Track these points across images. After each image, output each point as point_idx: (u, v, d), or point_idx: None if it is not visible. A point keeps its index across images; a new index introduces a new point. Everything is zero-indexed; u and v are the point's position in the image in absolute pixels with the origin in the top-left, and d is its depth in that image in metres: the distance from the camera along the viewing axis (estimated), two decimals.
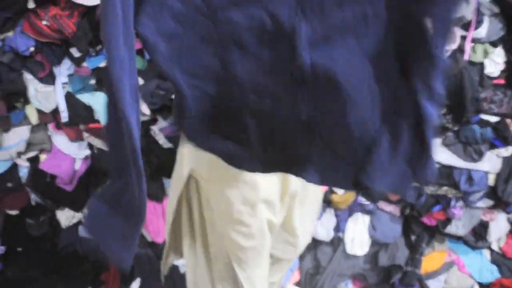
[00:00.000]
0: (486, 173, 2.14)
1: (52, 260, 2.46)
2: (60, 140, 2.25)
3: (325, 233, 2.23)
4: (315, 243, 2.29)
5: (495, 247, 2.45)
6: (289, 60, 0.85)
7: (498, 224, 2.35)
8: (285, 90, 0.89)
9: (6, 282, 2.43)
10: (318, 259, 2.30)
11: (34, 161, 2.31)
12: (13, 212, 2.44)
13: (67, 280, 2.41)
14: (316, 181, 1.01)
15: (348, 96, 0.87)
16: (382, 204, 2.25)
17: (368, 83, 0.87)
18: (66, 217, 2.40)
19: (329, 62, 0.84)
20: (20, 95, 2.16)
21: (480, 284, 2.41)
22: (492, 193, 2.21)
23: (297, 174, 1.02)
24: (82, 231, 2.42)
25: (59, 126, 2.21)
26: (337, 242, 2.31)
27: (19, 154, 2.28)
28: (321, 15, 0.81)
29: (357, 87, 0.87)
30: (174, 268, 2.41)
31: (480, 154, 2.08)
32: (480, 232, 2.37)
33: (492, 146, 2.14)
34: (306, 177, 1.01)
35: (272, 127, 0.94)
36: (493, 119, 2.07)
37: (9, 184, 2.34)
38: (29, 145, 2.26)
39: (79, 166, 2.27)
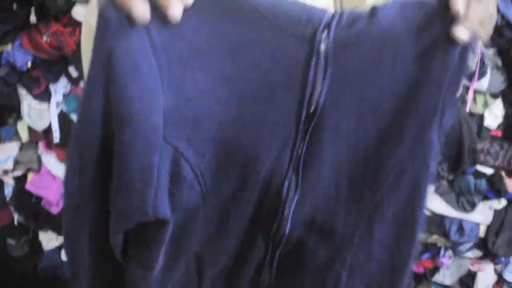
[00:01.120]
0: (477, 224, 2.09)
1: (31, 283, 2.35)
2: (50, 160, 2.16)
3: None
4: None
5: None
6: (268, 226, 0.74)
7: (485, 274, 2.30)
8: (252, 257, 0.77)
9: None
10: None
11: (20, 179, 2.23)
12: None
13: None
14: None
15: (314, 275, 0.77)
16: None
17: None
18: (48, 239, 2.31)
19: (305, 234, 0.75)
20: (13, 110, 2.09)
21: None
22: (482, 244, 2.17)
23: None
24: (64, 255, 2.30)
25: (50, 145, 2.12)
26: None
27: (6, 172, 2.21)
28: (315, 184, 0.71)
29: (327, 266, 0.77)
30: None
31: (473, 205, 2.03)
32: (467, 282, 2.32)
33: (485, 198, 2.09)
34: None
35: None
36: (489, 171, 2.03)
37: None
38: (17, 163, 2.19)
39: None
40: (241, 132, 0.66)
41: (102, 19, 0.59)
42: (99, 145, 0.63)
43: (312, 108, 0.65)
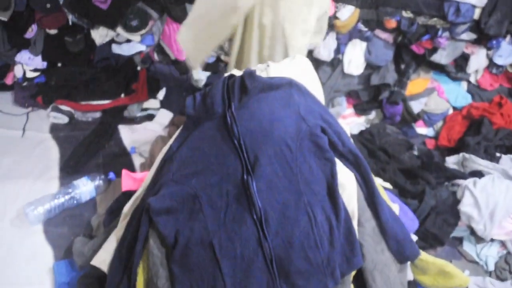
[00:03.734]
0: (473, 6, 2.26)
1: (89, 72, 2.65)
2: None
3: (327, 54, 2.41)
4: (317, 63, 2.48)
5: (472, 79, 2.65)
6: (248, 208, 1.19)
7: (478, 58, 2.53)
8: (250, 231, 1.18)
9: (50, 89, 2.64)
10: (318, 76, 2.48)
11: None
12: (52, 32, 2.59)
13: (103, 88, 2.62)
14: None
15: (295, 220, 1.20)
16: (378, 32, 2.41)
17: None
18: (100, 35, 2.54)
19: (274, 204, 1.20)
20: None
21: (454, 108, 2.65)
22: (476, 27, 2.36)
23: None
24: (114, 48, 2.59)
25: None
26: (336, 63, 2.51)
27: None
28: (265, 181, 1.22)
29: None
30: (195, 82, 2.63)
31: None
32: (461, 64, 2.56)
33: None
34: None
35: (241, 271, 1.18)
36: None
37: (48, 5, 2.46)
38: None
39: None
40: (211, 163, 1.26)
41: None
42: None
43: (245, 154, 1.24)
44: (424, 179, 2.03)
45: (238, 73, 1.50)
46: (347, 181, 1.35)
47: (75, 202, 1.96)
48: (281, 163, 1.26)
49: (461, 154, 2.18)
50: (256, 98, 1.34)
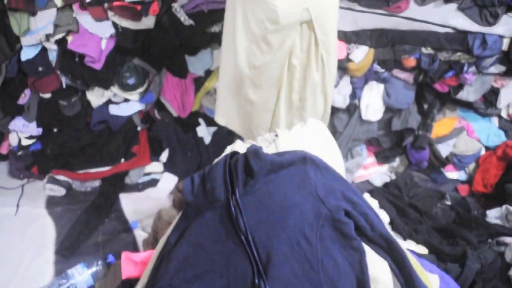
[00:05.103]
0: (501, 37, 2.05)
1: (86, 137, 2.49)
2: (86, 20, 2.20)
3: (342, 100, 2.20)
4: (331, 111, 2.25)
5: (504, 114, 2.41)
6: None
7: (509, 91, 2.30)
8: None
9: (46, 158, 2.48)
10: (334, 125, 2.28)
11: (62, 43, 2.27)
12: (46, 96, 2.44)
13: (102, 154, 2.45)
14: None
15: None
16: (396, 72, 2.19)
17: None
18: (96, 96, 2.40)
19: None
20: None
21: (486, 148, 2.40)
22: (505, 58, 2.14)
23: None
24: (112, 109, 2.43)
25: (83, 6, 2.16)
26: (352, 109, 2.29)
27: (48, 37, 2.25)
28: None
29: None
30: (200, 139, 2.44)
31: (496, 17, 1.99)
32: (490, 99, 2.33)
33: (509, 9, 2.03)
34: None
35: None
36: None
37: (40, 68, 2.33)
38: (56, 27, 2.22)
39: (105, 44, 2.23)
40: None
41: None
42: None
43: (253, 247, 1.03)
44: (464, 238, 1.78)
45: (242, 148, 1.29)
46: (380, 273, 1.12)
47: None
48: (299, 259, 1.03)
49: (504, 207, 1.92)
50: (264, 181, 1.12)
